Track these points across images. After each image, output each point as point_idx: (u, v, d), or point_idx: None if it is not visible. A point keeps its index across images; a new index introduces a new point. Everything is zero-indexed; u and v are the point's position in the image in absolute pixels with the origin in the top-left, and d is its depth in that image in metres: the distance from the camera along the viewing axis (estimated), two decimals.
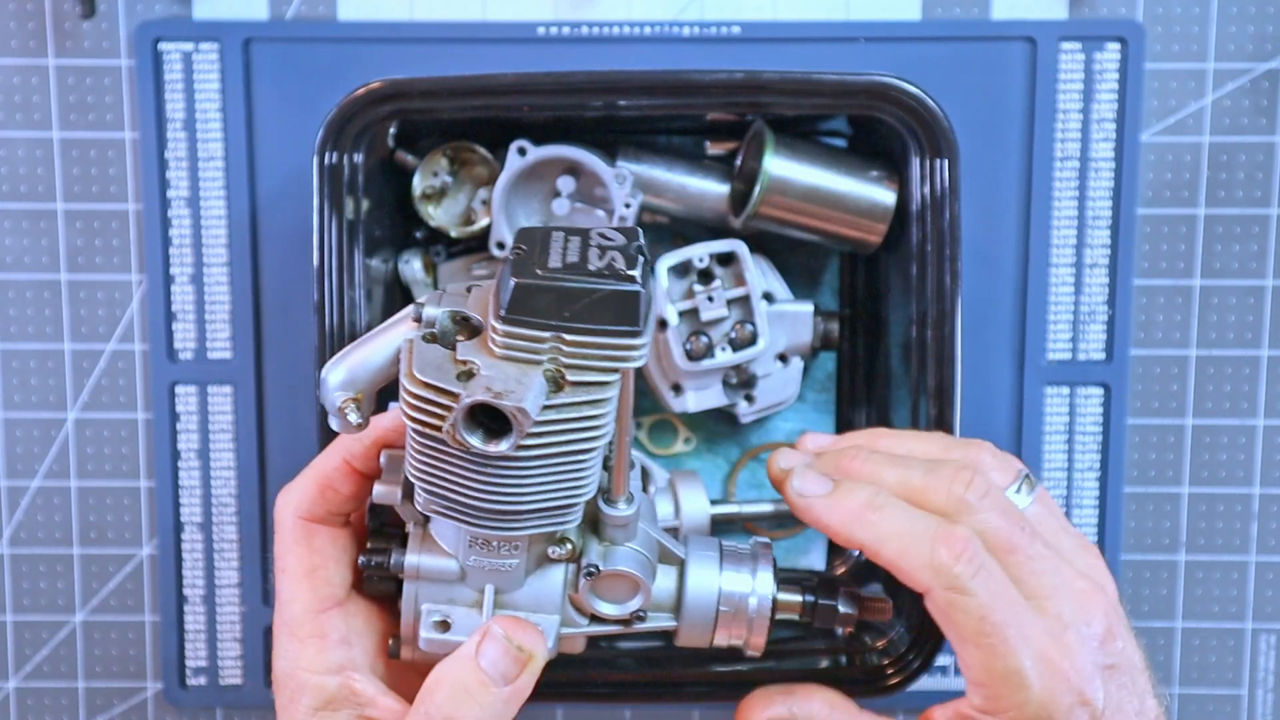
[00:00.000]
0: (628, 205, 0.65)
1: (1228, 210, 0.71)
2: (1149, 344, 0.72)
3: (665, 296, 0.66)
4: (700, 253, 0.66)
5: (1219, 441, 0.73)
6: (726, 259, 0.67)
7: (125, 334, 0.72)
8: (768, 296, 0.67)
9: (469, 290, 0.46)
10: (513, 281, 0.42)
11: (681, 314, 0.67)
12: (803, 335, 0.68)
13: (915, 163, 0.62)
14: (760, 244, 0.68)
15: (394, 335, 0.46)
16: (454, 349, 0.43)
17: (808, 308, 0.68)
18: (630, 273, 0.42)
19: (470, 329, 0.44)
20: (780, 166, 0.65)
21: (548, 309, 0.42)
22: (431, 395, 0.42)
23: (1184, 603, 0.74)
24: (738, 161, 0.68)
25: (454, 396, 0.41)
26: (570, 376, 0.43)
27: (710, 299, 0.66)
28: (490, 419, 0.41)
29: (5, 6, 0.70)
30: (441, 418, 0.42)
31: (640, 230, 0.45)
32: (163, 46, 0.70)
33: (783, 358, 0.68)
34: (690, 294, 0.66)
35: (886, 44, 0.69)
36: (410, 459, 0.45)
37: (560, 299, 0.42)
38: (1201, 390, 0.72)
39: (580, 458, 0.44)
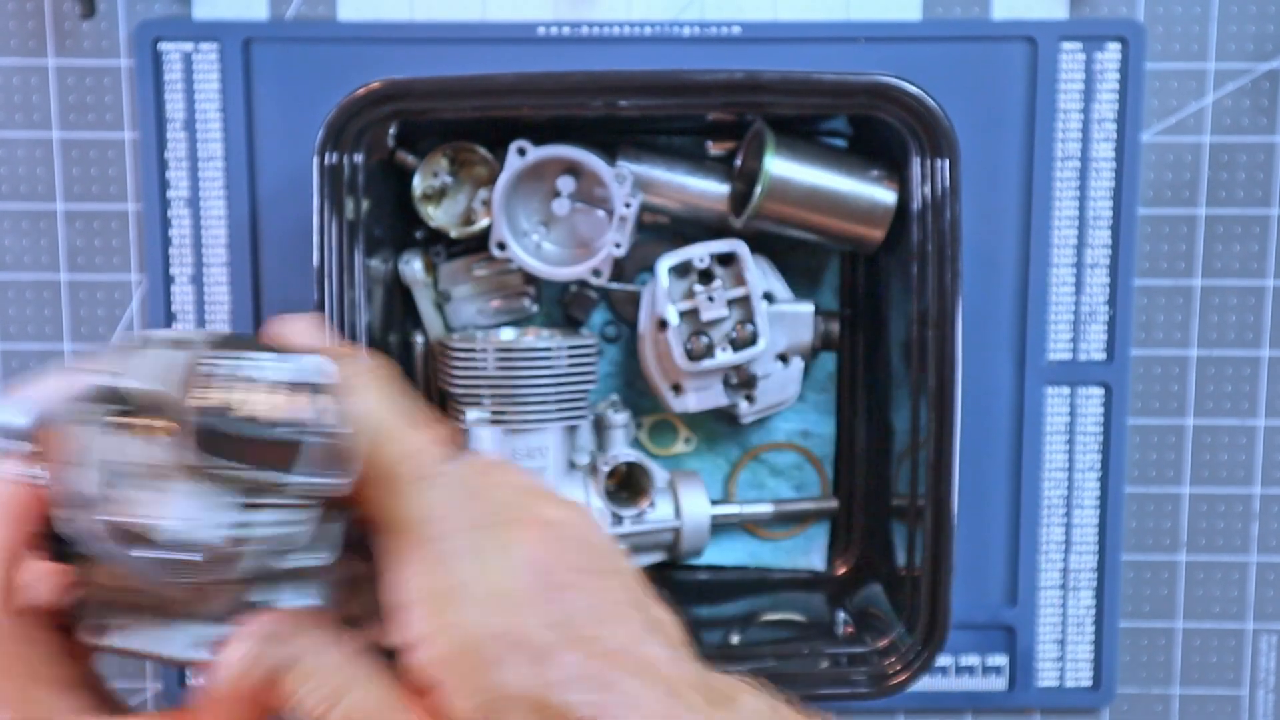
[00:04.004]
0: (627, 205, 0.65)
1: (1228, 210, 0.71)
2: (1149, 344, 0.72)
3: (666, 296, 0.66)
4: (700, 253, 0.66)
5: (1219, 441, 0.73)
6: (727, 259, 0.67)
7: (125, 334, 0.72)
8: (768, 296, 0.67)
9: None
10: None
11: (682, 314, 0.67)
12: (803, 335, 0.68)
13: (915, 163, 0.62)
14: (760, 244, 0.68)
15: None
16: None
17: (808, 308, 0.68)
18: None
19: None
20: (780, 166, 0.65)
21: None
22: None
23: (1184, 603, 0.74)
24: (738, 161, 0.68)
25: None
26: None
27: (710, 299, 0.66)
28: None
29: (5, 6, 0.70)
30: None
31: None
32: (162, 46, 0.70)
33: (783, 358, 0.68)
34: (690, 294, 0.66)
35: (887, 44, 0.69)
36: None
37: None
38: (1202, 390, 0.72)
39: None
